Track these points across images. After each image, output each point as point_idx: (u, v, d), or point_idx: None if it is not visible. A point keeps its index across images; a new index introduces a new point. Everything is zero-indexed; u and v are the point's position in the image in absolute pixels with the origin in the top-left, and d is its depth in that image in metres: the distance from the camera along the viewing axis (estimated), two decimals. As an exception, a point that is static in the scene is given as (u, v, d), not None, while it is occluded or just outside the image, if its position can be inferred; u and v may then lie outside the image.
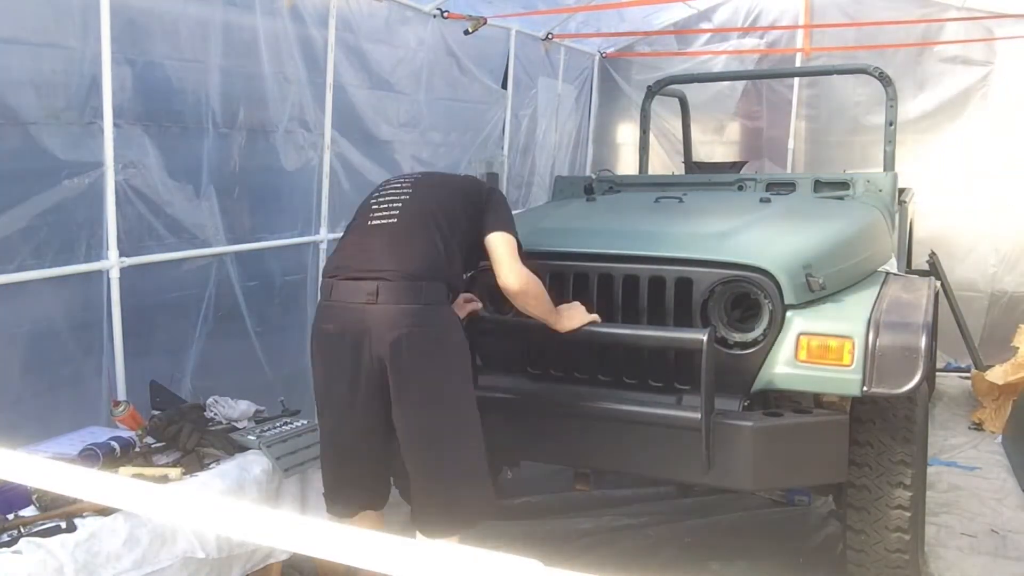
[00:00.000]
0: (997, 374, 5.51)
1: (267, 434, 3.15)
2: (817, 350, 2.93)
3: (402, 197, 2.93)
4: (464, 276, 3.15)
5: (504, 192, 6.20)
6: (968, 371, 6.16)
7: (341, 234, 4.53)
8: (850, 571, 3.23)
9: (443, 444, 2.75)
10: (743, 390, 3.06)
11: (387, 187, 3.03)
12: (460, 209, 2.93)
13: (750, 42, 7.38)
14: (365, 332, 2.67)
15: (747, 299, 3.11)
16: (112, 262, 3.35)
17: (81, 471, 1.39)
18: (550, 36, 6.58)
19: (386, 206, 2.90)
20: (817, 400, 3.16)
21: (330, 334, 2.76)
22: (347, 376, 2.73)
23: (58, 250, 3.21)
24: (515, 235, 2.94)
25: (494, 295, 3.44)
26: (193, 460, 2.91)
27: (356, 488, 2.90)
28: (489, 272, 3.44)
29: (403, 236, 2.82)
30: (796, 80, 7.10)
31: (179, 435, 2.96)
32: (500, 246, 2.88)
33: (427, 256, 2.77)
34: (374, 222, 2.87)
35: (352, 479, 2.89)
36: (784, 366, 2.98)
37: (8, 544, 2.29)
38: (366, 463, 2.86)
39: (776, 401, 3.12)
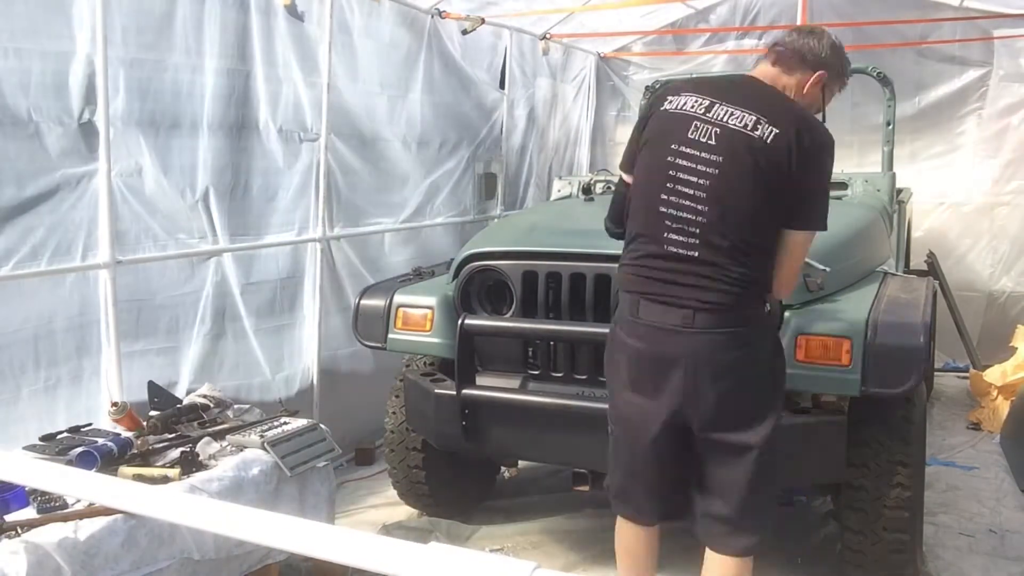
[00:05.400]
0: (995, 374, 5.52)
1: (269, 434, 3.15)
2: (815, 350, 2.92)
3: None
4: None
5: (502, 192, 6.25)
6: (966, 371, 6.15)
7: (339, 233, 4.60)
8: (848, 571, 3.23)
9: None
10: (741, 390, 3.05)
11: None
12: None
13: (748, 42, 7.37)
14: None
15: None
16: (108, 261, 3.34)
17: (80, 472, 1.39)
18: (548, 36, 6.57)
19: None
20: (815, 400, 3.16)
21: None
22: None
23: (54, 250, 3.20)
24: None
25: (491, 296, 3.45)
26: (192, 461, 2.91)
27: None
28: (486, 272, 3.45)
29: None
30: (794, 80, 7.08)
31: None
32: None
33: None
34: None
35: None
36: (782, 366, 2.98)
37: (7, 545, 2.29)
38: None
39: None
